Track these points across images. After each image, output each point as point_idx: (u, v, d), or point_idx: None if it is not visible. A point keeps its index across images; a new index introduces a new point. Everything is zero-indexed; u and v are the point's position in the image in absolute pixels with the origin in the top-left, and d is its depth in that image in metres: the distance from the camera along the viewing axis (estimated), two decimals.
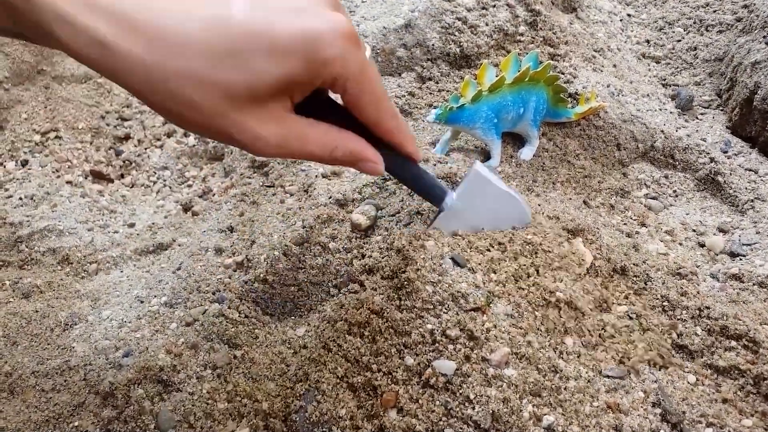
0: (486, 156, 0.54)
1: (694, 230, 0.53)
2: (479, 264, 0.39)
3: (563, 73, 0.62)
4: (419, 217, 0.45)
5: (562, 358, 0.36)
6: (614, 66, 0.68)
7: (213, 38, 0.26)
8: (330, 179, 0.54)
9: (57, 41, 0.26)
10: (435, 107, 0.56)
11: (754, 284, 0.45)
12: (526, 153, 0.55)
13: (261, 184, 0.57)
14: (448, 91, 0.62)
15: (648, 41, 0.77)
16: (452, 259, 0.41)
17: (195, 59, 0.26)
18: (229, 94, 0.27)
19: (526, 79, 0.50)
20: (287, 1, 0.28)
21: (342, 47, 0.28)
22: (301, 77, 0.28)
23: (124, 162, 0.69)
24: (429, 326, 0.37)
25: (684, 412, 0.35)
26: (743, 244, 0.51)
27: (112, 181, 0.67)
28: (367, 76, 0.30)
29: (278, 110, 0.29)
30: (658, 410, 0.35)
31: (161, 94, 0.27)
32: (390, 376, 0.36)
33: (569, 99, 0.59)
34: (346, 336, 0.38)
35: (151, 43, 0.26)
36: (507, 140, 0.55)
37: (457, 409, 0.34)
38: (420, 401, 0.35)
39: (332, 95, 0.33)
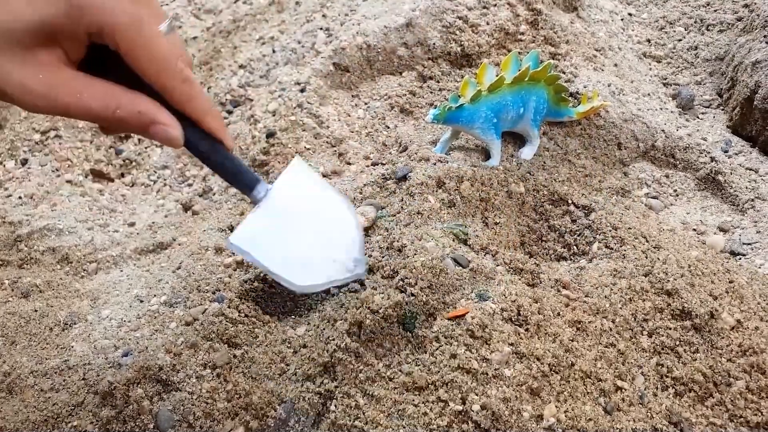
0: (486, 155, 0.54)
1: (694, 229, 0.53)
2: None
3: (564, 73, 0.62)
4: (420, 216, 0.45)
5: (564, 358, 0.36)
6: (615, 65, 0.68)
7: None
8: (330, 178, 0.54)
9: None
10: (435, 107, 0.56)
11: None
12: (527, 152, 0.55)
13: None
14: (449, 90, 0.62)
15: (649, 40, 0.77)
16: (453, 259, 0.40)
17: None
18: None
19: (526, 79, 0.50)
20: None
21: None
22: (62, 22, 0.27)
23: (124, 161, 0.68)
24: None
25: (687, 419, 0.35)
26: (744, 244, 0.51)
27: (112, 180, 0.67)
28: (143, 31, 0.28)
29: (48, 59, 0.28)
30: (664, 408, 0.35)
31: None
32: (389, 375, 0.36)
33: (571, 98, 0.59)
34: (346, 335, 0.38)
35: None
36: (507, 139, 0.55)
37: (457, 408, 0.34)
38: (419, 401, 0.35)
39: None
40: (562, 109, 0.55)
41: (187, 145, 0.32)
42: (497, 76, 0.50)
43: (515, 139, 0.56)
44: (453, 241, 0.42)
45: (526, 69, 0.50)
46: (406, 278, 0.37)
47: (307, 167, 0.38)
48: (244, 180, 0.35)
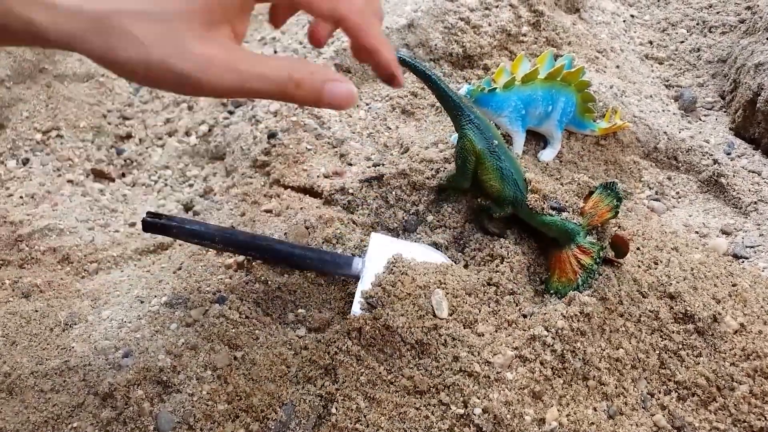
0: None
1: (697, 232, 0.53)
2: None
3: None
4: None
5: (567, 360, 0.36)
6: (617, 67, 0.68)
7: None
8: (332, 179, 0.54)
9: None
10: (469, 83, 0.56)
11: None
12: (547, 154, 0.54)
13: (262, 183, 0.57)
14: None
15: (651, 42, 0.76)
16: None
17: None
18: (168, 21, 0.27)
19: (559, 78, 0.50)
20: None
21: None
22: None
23: (125, 161, 0.68)
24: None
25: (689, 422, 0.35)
26: (746, 246, 0.51)
27: (113, 180, 0.67)
28: None
29: (220, 36, 0.28)
30: (667, 413, 0.35)
31: (101, 37, 0.27)
32: (391, 379, 0.36)
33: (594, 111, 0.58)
34: (346, 338, 0.38)
35: None
36: (529, 139, 0.55)
37: (459, 412, 0.34)
38: (421, 404, 0.35)
39: None
40: (585, 120, 0.55)
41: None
42: (532, 68, 0.50)
43: (537, 140, 0.56)
44: None
45: (561, 67, 0.50)
46: None
47: (387, 237, 0.44)
48: (340, 262, 0.41)
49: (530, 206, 0.41)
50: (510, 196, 0.41)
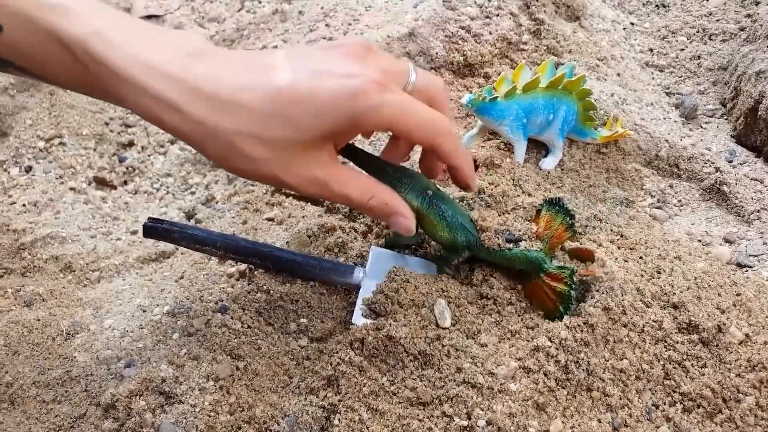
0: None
1: (699, 240, 0.53)
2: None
3: None
4: None
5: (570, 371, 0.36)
6: (618, 75, 0.68)
7: (262, 105, 0.31)
8: None
9: (124, 101, 0.31)
10: (471, 92, 0.56)
11: None
12: (549, 162, 0.54)
13: (264, 191, 0.57)
14: (451, 99, 0.62)
15: (651, 50, 0.77)
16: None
17: (248, 122, 0.31)
18: (279, 147, 0.31)
19: (560, 87, 0.50)
20: (320, 60, 0.32)
21: (374, 99, 0.31)
22: (343, 130, 0.32)
23: (127, 168, 0.69)
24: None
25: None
26: (750, 255, 0.51)
27: (115, 187, 0.67)
28: (406, 114, 0.33)
29: (323, 157, 0.33)
30: (672, 425, 0.35)
31: (220, 148, 0.31)
32: (394, 390, 0.36)
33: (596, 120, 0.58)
34: (348, 348, 0.37)
35: (213, 108, 0.31)
36: (530, 147, 0.55)
37: (463, 423, 0.33)
38: (424, 415, 0.34)
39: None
40: (587, 128, 0.55)
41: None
42: (533, 77, 0.50)
43: (539, 149, 0.56)
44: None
45: (562, 75, 0.50)
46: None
47: (386, 251, 0.44)
48: (342, 270, 0.41)
49: (486, 245, 0.39)
50: (463, 241, 0.39)
